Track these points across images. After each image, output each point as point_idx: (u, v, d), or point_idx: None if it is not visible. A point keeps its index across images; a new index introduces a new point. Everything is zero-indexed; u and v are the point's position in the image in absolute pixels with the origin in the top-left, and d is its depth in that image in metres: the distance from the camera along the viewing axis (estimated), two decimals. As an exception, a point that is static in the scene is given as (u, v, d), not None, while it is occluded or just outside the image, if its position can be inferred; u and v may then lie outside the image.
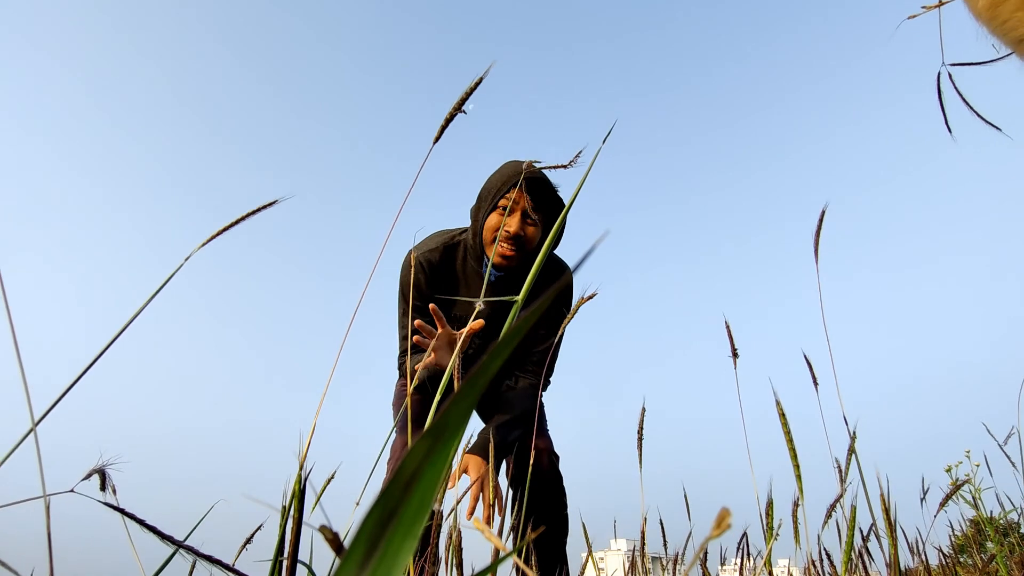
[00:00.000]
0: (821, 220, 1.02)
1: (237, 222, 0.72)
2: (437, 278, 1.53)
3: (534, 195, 1.43)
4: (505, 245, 1.43)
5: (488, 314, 1.57)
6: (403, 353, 1.63)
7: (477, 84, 0.74)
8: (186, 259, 0.70)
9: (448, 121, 0.75)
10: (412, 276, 1.55)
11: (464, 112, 0.75)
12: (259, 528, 1.01)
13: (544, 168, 1.10)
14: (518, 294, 1.57)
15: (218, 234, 0.72)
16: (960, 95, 0.86)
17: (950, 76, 0.88)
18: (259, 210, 0.74)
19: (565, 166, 1.09)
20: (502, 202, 1.43)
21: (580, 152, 1.05)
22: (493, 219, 1.45)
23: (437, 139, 0.75)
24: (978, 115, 0.85)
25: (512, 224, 1.34)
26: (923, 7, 0.87)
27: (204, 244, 0.71)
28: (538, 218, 1.47)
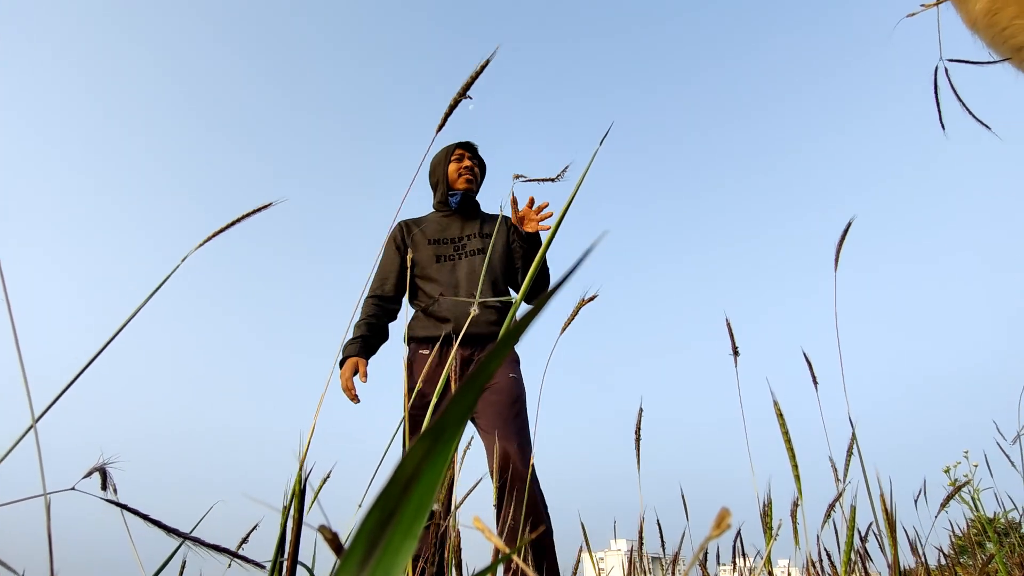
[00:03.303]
0: (845, 233, 1.01)
1: (231, 225, 0.73)
2: (409, 230, 2.23)
3: (469, 148, 2.27)
4: (466, 174, 2.22)
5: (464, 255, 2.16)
6: (372, 295, 2.16)
7: (482, 69, 0.73)
8: (181, 261, 0.70)
9: (452, 108, 0.75)
10: (394, 231, 2.24)
11: (470, 97, 0.74)
12: (255, 528, 1.01)
13: (532, 181, 1.20)
14: (465, 217, 2.13)
15: (212, 236, 0.72)
16: (954, 91, 0.86)
17: (946, 72, 0.88)
18: (252, 213, 0.75)
19: (553, 179, 1.11)
20: (452, 158, 2.24)
21: (567, 167, 1.09)
22: (452, 168, 2.23)
23: (440, 127, 0.75)
24: (970, 112, 0.85)
25: (465, 163, 2.24)
26: (922, 4, 0.87)
27: (199, 247, 0.71)
28: (474, 159, 2.27)
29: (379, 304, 2.10)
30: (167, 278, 0.68)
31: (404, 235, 2.20)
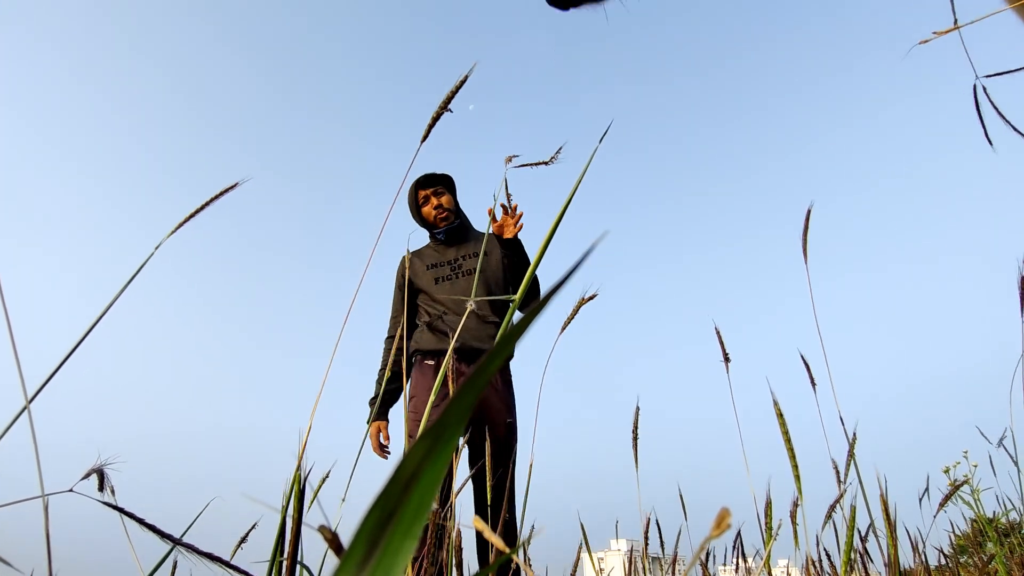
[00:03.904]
0: (807, 219, 1.03)
1: (201, 209, 0.73)
2: (412, 262, 2.42)
3: (430, 183, 2.38)
4: (439, 216, 2.35)
5: (457, 273, 2.35)
6: (389, 336, 2.40)
7: (461, 84, 0.76)
8: (156, 248, 0.71)
9: (435, 120, 0.77)
10: (398, 269, 2.44)
11: (450, 111, 0.77)
12: (254, 527, 1.01)
13: (526, 165, 1.20)
14: (458, 241, 2.44)
15: (184, 222, 0.72)
16: (995, 108, 0.85)
17: (984, 89, 0.87)
18: (222, 194, 0.75)
19: (547, 162, 1.12)
20: (420, 201, 2.39)
21: (560, 149, 1.08)
22: (426, 211, 2.38)
23: (424, 138, 0.77)
24: (1013, 127, 0.85)
25: (433, 203, 2.36)
26: (934, 32, 0.86)
27: (171, 233, 0.72)
28: (440, 189, 2.39)
29: (398, 346, 2.37)
30: (143, 264, 0.68)
31: (404, 270, 2.40)
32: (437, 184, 2.39)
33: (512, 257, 2.21)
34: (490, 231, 2.31)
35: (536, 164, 1.15)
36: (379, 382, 2.30)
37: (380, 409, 2.25)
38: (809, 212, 1.06)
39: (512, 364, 2.35)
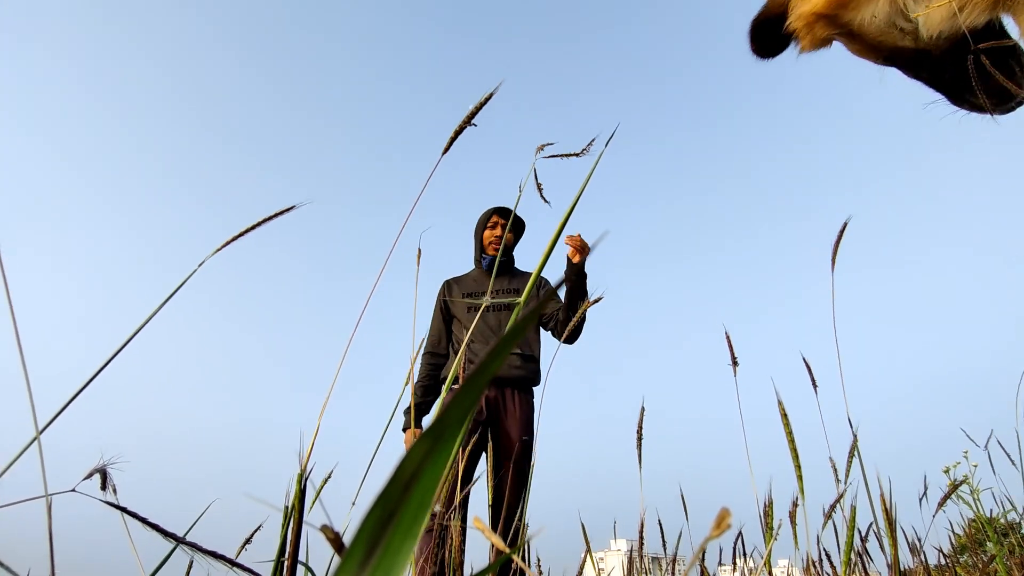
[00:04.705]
0: (842, 233, 1.02)
1: (253, 228, 0.72)
2: (450, 288, 2.67)
3: (505, 217, 2.62)
4: (494, 242, 2.61)
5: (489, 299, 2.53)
6: (426, 352, 2.60)
7: (486, 100, 0.76)
8: (199, 265, 0.70)
9: (457, 134, 0.77)
10: (438, 293, 2.67)
11: (474, 125, 0.77)
12: (259, 528, 1.01)
13: (556, 156, 1.16)
14: (502, 273, 2.77)
15: (232, 240, 0.71)
16: (993, 71, 0.86)
17: (982, 57, 0.88)
18: (276, 215, 0.74)
19: (577, 154, 1.10)
20: (488, 224, 2.63)
21: (592, 140, 1.08)
22: (487, 234, 2.65)
23: (446, 150, 0.77)
24: (1018, 85, 0.85)
25: (497, 232, 2.63)
26: (935, 4, 0.87)
27: (217, 251, 0.71)
28: (507, 224, 2.52)
29: (432, 362, 2.56)
30: (183, 283, 0.67)
31: (445, 293, 2.66)
32: (505, 217, 2.61)
33: (575, 281, 2.36)
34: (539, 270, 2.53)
35: (567, 155, 1.13)
36: (414, 391, 2.45)
37: (416, 416, 2.41)
38: (845, 225, 1.04)
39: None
